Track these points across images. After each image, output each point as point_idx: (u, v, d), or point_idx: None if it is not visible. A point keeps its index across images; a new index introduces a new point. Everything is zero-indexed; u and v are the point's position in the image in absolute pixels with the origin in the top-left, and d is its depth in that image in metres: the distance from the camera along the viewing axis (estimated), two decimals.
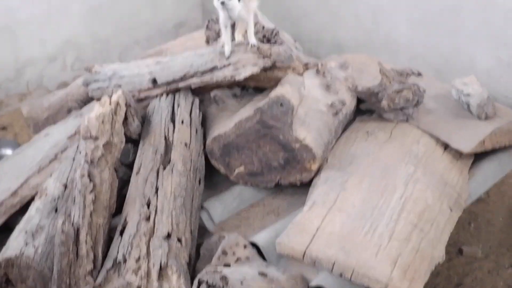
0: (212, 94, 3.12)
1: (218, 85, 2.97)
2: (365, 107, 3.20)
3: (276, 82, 2.90)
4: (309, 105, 2.85)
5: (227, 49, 2.86)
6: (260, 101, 2.74)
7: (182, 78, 2.90)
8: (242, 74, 2.76)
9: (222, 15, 2.80)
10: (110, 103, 2.58)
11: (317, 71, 3.19)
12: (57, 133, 3.12)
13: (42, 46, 4.99)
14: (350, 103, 3.09)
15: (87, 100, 3.35)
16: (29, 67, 4.96)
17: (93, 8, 5.19)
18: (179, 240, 2.30)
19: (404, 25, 4.56)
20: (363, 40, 4.88)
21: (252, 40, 2.86)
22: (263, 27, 3.15)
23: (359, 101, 3.20)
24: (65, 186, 2.56)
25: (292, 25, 5.23)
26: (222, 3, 2.71)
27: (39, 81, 5.07)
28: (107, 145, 2.49)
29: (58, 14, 4.97)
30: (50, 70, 5.11)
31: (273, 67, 2.87)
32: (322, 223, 2.38)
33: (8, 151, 4.09)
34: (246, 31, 2.92)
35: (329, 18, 5.09)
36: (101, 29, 5.34)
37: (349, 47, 4.96)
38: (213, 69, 2.83)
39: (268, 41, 3.12)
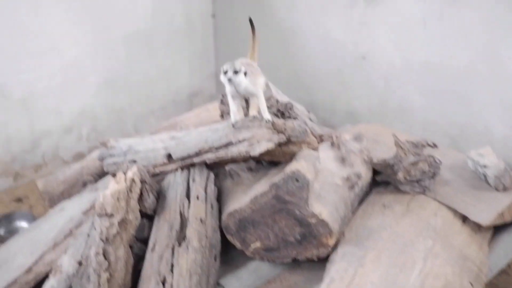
0: (227, 168, 3.14)
1: (233, 160, 2.98)
2: (381, 179, 3.19)
3: (291, 156, 2.92)
4: (325, 179, 2.85)
5: (233, 117, 2.89)
6: (275, 176, 2.75)
7: (197, 154, 2.92)
8: (257, 149, 2.77)
9: (229, 89, 2.85)
10: (125, 180, 2.60)
11: (332, 144, 3.21)
12: (72, 207, 3.13)
13: (57, 118, 5.07)
14: (366, 176, 3.10)
15: (102, 174, 3.38)
16: (45, 139, 5.02)
17: (108, 80, 5.30)
18: None
19: (417, 92, 4.59)
20: (377, 109, 4.91)
21: (266, 115, 2.89)
22: (277, 101, 3.19)
23: (375, 172, 3.20)
24: (80, 264, 2.55)
25: (305, 94, 5.31)
26: (229, 80, 2.76)
27: (54, 152, 5.12)
28: (122, 222, 2.50)
29: (73, 86, 5.06)
30: (65, 141, 5.16)
31: (288, 142, 2.89)
32: None
33: (23, 224, 4.14)
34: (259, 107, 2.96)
35: (342, 87, 5.14)
36: (116, 100, 5.43)
37: (363, 116, 5.00)
38: (228, 145, 2.85)
39: (282, 115, 3.16)
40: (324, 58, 5.22)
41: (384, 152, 3.33)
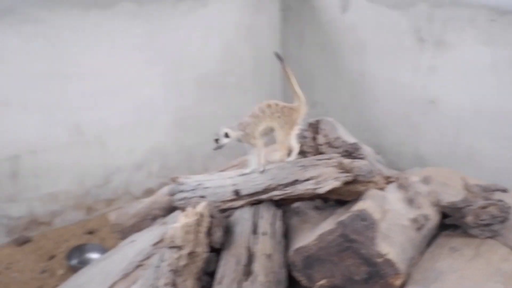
0: (294, 206, 3.19)
1: (299, 198, 3.03)
2: (450, 222, 3.16)
3: (358, 195, 2.95)
4: (392, 219, 2.85)
5: (248, 170, 3.13)
6: (342, 215, 2.77)
7: (265, 191, 2.98)
8: (324, 188, 2.82)
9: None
10: (194, 214, 2.69)
11: (399, 185, 3.22)
12: (142, 240, 3.23)
13: (129, 155, 5.25)
14: (434, 218, 3.08)
15: (171, 209, 3.49)
16: (117, 174, 5.20)
17: (179, 119, 5.47)
18: None
19: (488, 138, 4.53)
20: (446, 153, 4.86)
21: (257, 166, 3.11)
22: (344, 142, 3.25)
23: (444, 215, 3.18)
24: None
25: (373, 137, 5.31)
26: (219, 147, 3.11)
27: (125, 187, 5.29)
28: (191, 254, 2.57)
29: (145, 124, 5.25)
30: (136, 177, 5.33)
31: (354, 181, 2.92)
32: None
33: (95, 255, 4.29)
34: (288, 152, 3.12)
35: (410, 131, 5.13)
36: (185, 138, 5.59)
37: (432, 160, 4.96)
38: (294, 182, 2.91)
39: (350, 155, 3.20)
40: (393, 101, 5.23)
41: (452, 195, 3.31)
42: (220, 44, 5.61)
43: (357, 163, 2.96)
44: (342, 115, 5.53)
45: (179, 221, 2.66)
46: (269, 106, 3.09)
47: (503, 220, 3.00)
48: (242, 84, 5.90)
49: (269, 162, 3.14)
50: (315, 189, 2.84)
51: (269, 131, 3.13)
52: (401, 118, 5.19)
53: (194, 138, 5.64)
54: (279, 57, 3.24)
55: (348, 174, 2.88)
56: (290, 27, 6.05)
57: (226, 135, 3.08)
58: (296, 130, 3.12)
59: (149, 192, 5.16)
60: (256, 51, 5.92)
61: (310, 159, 2.98)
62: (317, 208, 3.20)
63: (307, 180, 2.88)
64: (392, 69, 5.15)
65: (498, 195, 3.27)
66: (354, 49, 5.44)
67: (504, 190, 3.39)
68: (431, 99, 4.87)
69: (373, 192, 2.96)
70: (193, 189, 3.19)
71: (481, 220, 2.98)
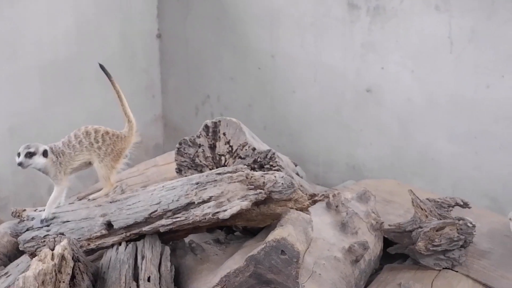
0: (187, 240, 3.30)
1: (195, 228, 3.14)
2: (395, 251, 3.41)
3: (274, 219, 3.08)
4: (320, 251, 3.05)
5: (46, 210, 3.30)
6: (254, 248, 2.87)
7: (147, 220, 3.08)
8: (228, 211, 2.91)
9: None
10: (52, 258, 2.73)
11: (328, 205, 3.41)
12: None
13: None
14: (375, 246, 3.33)
15: (12, 255, 3.53)
16: None
17: (15, 125, 5.49)
18: None
19: (444, 137, 4.82)
20: (389, 160, 5.12)
21: (46, 211, 3.30)
22: (254, 149, 3.41)
23: (387, 242, 3.43)
24: None
25: (290, 142, 5.50)
26: (20, 164, 3.23)
27: None
28: None
29: None
30: None
31: (268, 200, 3.03)
32: None
33: None
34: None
35: (341, 131, 5.37)
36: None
37: (370, 170, 5.22)
38: (188, 206, 3.01)
39: (261, 167, 3.36)
40: (316, 93, 5.44)
41: (398, 215, 3.53)
42: (73, 20, 5.66)
43: (271, 175, 3.06)
44: (247, 113, 5.66)
45: (31, 269, 2.67)
46: (87, 134, 3.30)
47: (464, 244, 3.27)
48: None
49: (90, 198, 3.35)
50: (216, 213, 2.94)
51: (85, 166, 3.36)
52: (328, 114, 5.41)
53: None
54: (105, 71, 3.45)
55: (259, 191, 2.99)
56: None
57: (44, 154, 3.23)
58: (120, 164, 3.35)
59: None
60: (124, 27, 6.01)
61: (208, 174, 3.09)
62: (218, 241, 3.33)
63: (205, 202, 2.98)
64: (314, 48, 5.35)
65: (457, 212, 3.52)
66: (261, 22, 5.61)
67: (464, 205, 3.59)
68: (367, 88, 5.10)
69: (294, 214, 3.06)
70: (46, 225, 3.26)
71: (436, 245, 3.22)
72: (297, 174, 3.92)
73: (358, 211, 3.43)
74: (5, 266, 3.52)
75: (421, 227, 3.24)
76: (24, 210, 3.37)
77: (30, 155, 3.18)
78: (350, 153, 5.34)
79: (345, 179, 5.05)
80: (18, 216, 3.36)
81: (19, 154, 3.18)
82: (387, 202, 3.71)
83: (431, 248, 3.22)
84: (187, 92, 6.24)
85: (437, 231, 3.21)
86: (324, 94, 5.38)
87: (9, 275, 3.35)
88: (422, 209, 3.31)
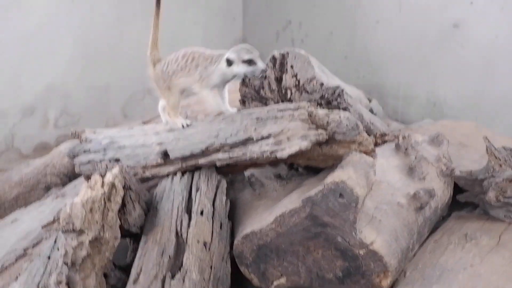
0: (247, 174, 3.27)
1: (254, 164, 3.11)
2: (465, 199, 3.31)
3: (335, 160, 3.02)
4: (382, 195, 2.97)
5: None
6: (311, 188, 2.81)
7: (204, 153, 3.06)
8: (286, 150, 2.87)
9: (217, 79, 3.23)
10: (102, 185, 2.73)
11: (397, 147, 3.31)
12: (29, 219, 3.27)
13: (15, 94, 5.27)
14: (443, 193, 3.23)
15: (73, 176, 3.55)
16: None
17: (87, 47, 5.51)
18: None
19: None
20: (471, 100, 4.98)
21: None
22: (322, 84, 3.33)
23: (457, 190, 3.32)
24: None
25: (370, 75, 5.39)
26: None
27: (8, 141, 5.31)
28: (95, 242, 2.63)
29: (37, 54, 5.27)
30: (25, 126, 5.35)
31: (331, 140, 2.97)
32: None
33: None
34: None
35: (423, 68, 5.24)
36: (97, 73, 5.65)
37: (451, 109, 5.09)
38: (246, 142, 2.97)
39: (328, 103, 3.28)
40: (400, 25, 5.31)
41: (472, 161, 3.42)
42: None
43: (336, 115, 2.98)
44: (328, 41, 5.59)
45: (80, 195, 2.68)
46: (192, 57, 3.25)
47: None
48: None
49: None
50: (274, 151, 2.90)
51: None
52: (411, 47, 5.27)
53: (110, 74, 5.70)
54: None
55: (321, 131, 2.93)
56: None
57: (229, 62, 3.18)
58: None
59: (43, 148, 5.17)
60: None
61: (269, 109, 3.03)
62: (279, 177, 3.29)
63: (264, 138, 2.94)
64: None
65: None
66: None
67: None
68: (455, 23, 4.94)
69: (356, 157, 3.01)
70: (103, 149, 3.26)
71: (508, 197, 3.11)
72: (371, 110, 3.83)
73: (428, 155, 3.32)
74: (62, 186, 3.54)
75: (493, 177, 3.13)
76: (84, 131, 3.37)
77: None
78: (431, 90, 5.22)
79: (424, 116, 4.95)
80: (78, 137, 3.36)
81: (254, 61, 3.16)
82: (462, 146, 3.60)
83: (502, 200, 3.10)
84: (269, 17, 6.20)
85: (510, 182, 3.09)
86: (409, 26, 5.26)
87: (65, 196, 3.38)
88: (496, 157, 3.18)
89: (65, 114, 5.51)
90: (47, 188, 3.55)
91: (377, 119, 3.67)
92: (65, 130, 5.20)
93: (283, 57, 3.45)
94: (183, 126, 3.21)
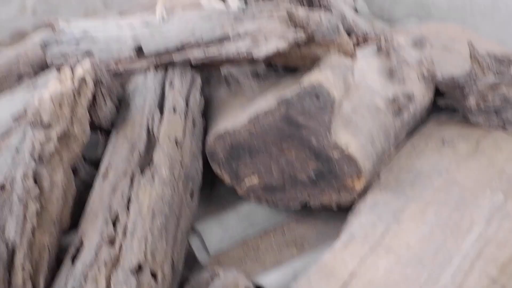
0: (224, 71, 3.24)
1: (229, 62, 3.07)
2: (445, 104, 3.29)
3: (313, 61, 2.98)
4: (360, 98, 2.95)
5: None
6: (288, 88, 2.81)
7: (179, 49, 3.01)
8: (263, 50, 2.84)
9: None
10: (72, 79, 2.69)
11: (378, 49, 3.27)
12: (0, 109, 3.24)
13: None
14: (423, 98, 3.20)
15: (46, 66, 3.49)
16: None
17: None
18: (154, 275, 2.38)
19: None
20: (460, 1, 4.89)
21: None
22: None
23: (438, 94, 3.30)
24: (2, 188, 2.59)
25: None
26: None
27: None
28: (64, 136, 2.60)
29: None
30: (1, 12, 5.26)
31: (309, 41, 2.93)
32: (359, 267, 2.46)
33: None
34: None
35: None
36: None
37: (439, 9, 4.97)
38: (222, 40, 2.93)
39: (310, 3, 3.20)
40: None
41: (455, 66, 3.39)
42: None
43: (316, 16, 2.94)
44: None
45: (49, 89, 2.65)
46: None
47: None
48: None
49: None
50: (251, 51, 2.86)
51: None
52: None
53: None
54: None
55: (300, 32, 2.89)
56: None
57: None
58: None
59: (19, 35, 5.09)
60: None
61: (248, 8, 3.00)
62: (256, 75, 3.25)
63: (241, 37, 2.90)
64: None
65: None
66: None
67: None
68: None
69: (334, 59, 2.98)
70: (76, 41, 3.20)
71: (489, 103, 3.10)
72: (355, 9, 3.77)
73: (410, 58, 3.28)
74: (35, 76, 3.49)
75: (475, 82, 3.10)
76: (57, 21, 3.31)
77: None
78: None
79: (411, 15, 4.87)
80: (52, 27, 3.30)
81: None
82: (447, 50, 3.55)
83: (482, 106, 3.09)
84: None
85: (491, 88, 3.07)
86: None
87: (37, 88, 3.33)
88: (479, 62, 3.14)
89: (43, 1, 5.39)
90: (19, 78, 3.49)
91: (360, 20, 3.62)
92: (43, 17, 5.08)
93: None
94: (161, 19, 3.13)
